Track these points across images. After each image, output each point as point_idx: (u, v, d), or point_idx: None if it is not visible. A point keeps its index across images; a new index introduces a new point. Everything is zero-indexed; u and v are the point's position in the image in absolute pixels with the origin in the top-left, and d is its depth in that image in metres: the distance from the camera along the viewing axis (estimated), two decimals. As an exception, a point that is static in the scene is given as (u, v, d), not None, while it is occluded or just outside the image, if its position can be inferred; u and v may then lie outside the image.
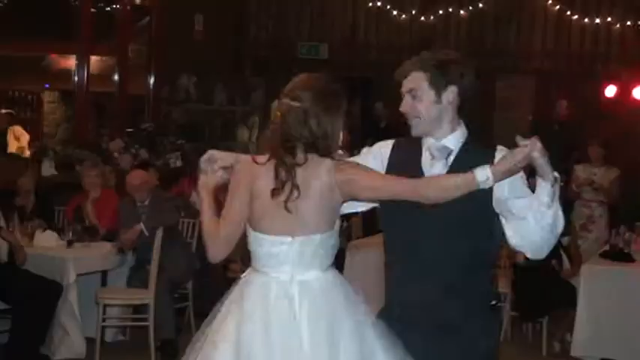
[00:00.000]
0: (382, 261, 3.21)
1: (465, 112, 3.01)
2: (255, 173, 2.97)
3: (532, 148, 2.72)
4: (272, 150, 2.95)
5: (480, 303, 3.02)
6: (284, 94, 2.98)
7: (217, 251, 3.12)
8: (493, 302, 3.07)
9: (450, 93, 2.96)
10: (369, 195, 2.99)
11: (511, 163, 2.74)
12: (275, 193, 2.90)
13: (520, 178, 2.92)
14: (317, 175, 2.92)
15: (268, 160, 2.95)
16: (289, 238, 2.93)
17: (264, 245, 2.98)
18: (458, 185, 2.80)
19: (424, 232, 2.98)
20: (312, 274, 2.97)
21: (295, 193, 2.88)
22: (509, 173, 2.77)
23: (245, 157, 3.07)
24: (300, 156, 2.92)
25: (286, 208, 2.89)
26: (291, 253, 2.94)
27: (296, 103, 2.92)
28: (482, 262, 3.05)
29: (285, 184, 2.89)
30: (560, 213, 2.88)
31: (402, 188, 2.90)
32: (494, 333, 3.19)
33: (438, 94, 2.96)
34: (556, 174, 2.80)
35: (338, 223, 3.04)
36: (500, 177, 2.76)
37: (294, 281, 2.94)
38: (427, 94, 2.97)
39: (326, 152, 2.95)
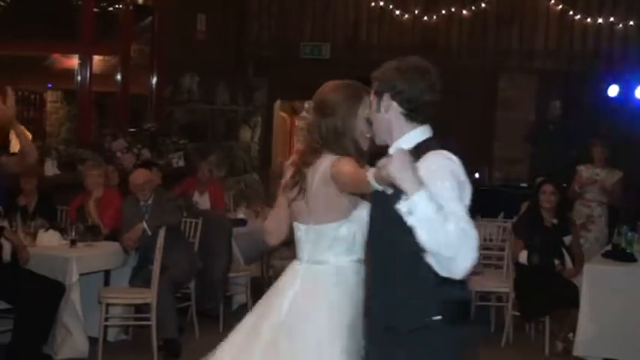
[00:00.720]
0: None
1: (418, 117, 2.94)
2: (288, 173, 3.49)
3: (385, 163, 2.64)
4: (299, 155, 3.42)
5: (427, 315, 2.85)
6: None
7: (268, 239, 3.63)
8: (438, 316, 2.84)
9: (385, 101, 2.97)
10: (348, 188, 3.24)
11: (378, 172, 2.69)
12: (284, 189, 3.44)
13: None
14: (318, 169, 3.29)
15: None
16: (302, 226, 3.41)
17: (294, 231, 3.48)
18: (366, 182, 2.86)
19: (375, 238, 3.07)
20: (324, 258, 3.35)
21: (301, 195, 3.34)
22: (387, 181, 2.67)
23: None
24: (315, 157, 3.32)
25: (290, 206, 3.42)
26: (302, 238, 3.42)
27: (308, 115, 3.32)
28: (426, 273, 2.80)
29: (295, 185, 3.36)
30: (447, 232, 2.59)
31: (354, 181, 3.14)
32: (445, 349, 2.89)
33: (378, 103, 3.00)
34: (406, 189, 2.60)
35: (354, 214, 3.32)
36: (379, 182, 2.72)
37: (303, 262, 3.41)
38: (374, 104, 3.05)
39: (342, 150, 3.28)
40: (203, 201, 8.38)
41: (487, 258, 8.09)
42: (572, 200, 8.48)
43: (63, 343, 6.40)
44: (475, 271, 3.27)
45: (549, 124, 10.47)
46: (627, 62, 11.07)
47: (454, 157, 2.85)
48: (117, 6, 10.54)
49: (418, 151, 2.84)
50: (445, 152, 2.83)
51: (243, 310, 7.70)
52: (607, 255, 7.07)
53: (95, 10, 10.04)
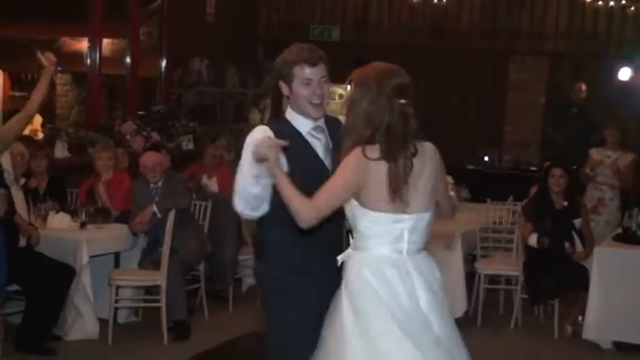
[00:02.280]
0: None
1: None
2: None
3: None
4: None
5: None
6: None
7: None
8: None
9: None
10: None
11: None
12: None
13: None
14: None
15: None
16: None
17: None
18: None
19: None
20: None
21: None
22: None
23: None
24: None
25: None
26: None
27: None
28: None
29: None
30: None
31: None
32: None
33: None
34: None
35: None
36: None
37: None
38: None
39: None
40: (212, 184, 8.40)
41: (497, 241, 8.09)
42: (584, 183, 8.49)
43: (73, 325, 6.46)
44: None
45: (573, 107, 10.43)
46: (638, 44, 11.01)
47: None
48: (126, -12, 10.55)
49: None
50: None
51: (252, 292, 7.76)
52: (617, 238, 7.07)
53: (104, -8, 10.05)
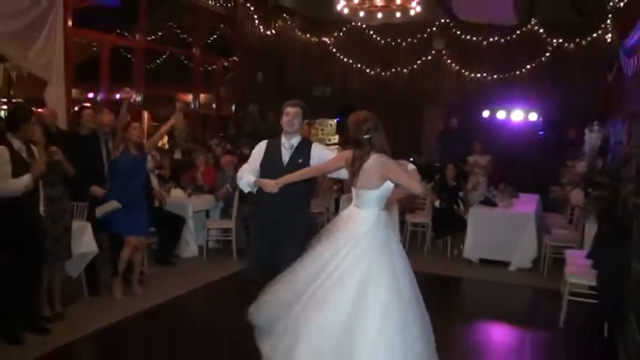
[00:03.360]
0: None
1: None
2: None
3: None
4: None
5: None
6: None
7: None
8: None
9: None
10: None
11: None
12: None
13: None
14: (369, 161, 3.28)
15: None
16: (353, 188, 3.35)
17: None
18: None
19: None
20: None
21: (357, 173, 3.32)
22: None
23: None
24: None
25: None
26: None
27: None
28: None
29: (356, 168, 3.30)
30: None
31: None
32: None
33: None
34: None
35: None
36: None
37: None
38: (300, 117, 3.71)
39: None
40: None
41: (417, 204, 8.06)
42: (467, 174, 8.47)
43: (185, 249, 6.50)
44: None
45: (448, 133, 10.43)
46: (493, 98, 10.99)
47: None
48: (213, 66, 10.53)
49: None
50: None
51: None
52: (481, 202, 7.06)
53: (201, 69, 10.02)
